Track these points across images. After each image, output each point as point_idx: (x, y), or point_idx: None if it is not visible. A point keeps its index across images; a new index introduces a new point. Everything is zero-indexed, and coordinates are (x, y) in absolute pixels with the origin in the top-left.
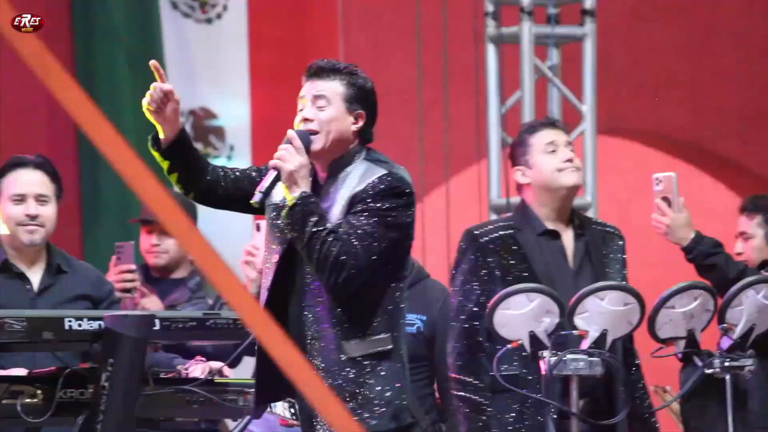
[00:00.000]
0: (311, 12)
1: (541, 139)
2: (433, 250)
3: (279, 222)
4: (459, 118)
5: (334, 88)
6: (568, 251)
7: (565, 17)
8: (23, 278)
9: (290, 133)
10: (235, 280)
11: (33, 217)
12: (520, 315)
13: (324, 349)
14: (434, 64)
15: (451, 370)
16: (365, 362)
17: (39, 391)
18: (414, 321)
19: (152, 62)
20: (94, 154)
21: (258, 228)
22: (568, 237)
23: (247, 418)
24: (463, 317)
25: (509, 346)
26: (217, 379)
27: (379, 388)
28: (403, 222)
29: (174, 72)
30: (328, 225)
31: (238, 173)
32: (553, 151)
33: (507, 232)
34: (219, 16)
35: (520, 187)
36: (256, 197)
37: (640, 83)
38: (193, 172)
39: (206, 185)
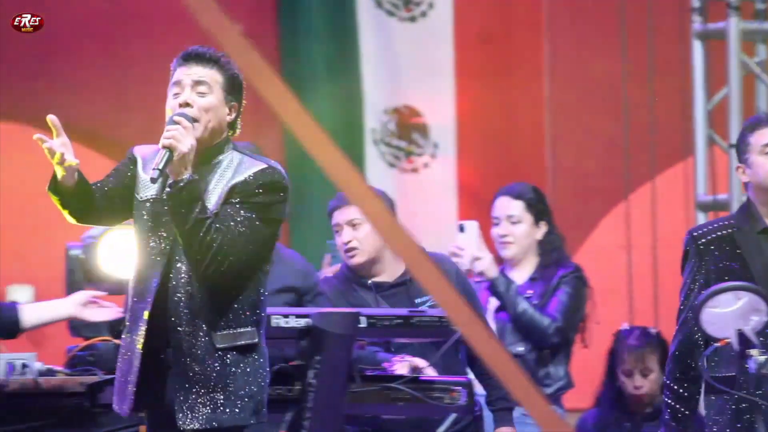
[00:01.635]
0: (516, 9)
1: (759, 139)
2: (639, 248)
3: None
4: (664, 115)
5: (214, 76)
6: None
7: None
8: None
9: (176, 117)
10: (440, 277)
11: None
12: (728, 313)
13: (192, 338)
14: (639, 60)
15: (665, 376)
16: (231, 354)
17: None
18: None
19: (49, 117)
20: (299, 151)
21: (461, 229)
22: None
23: (452, 416)
24: (680, 322)
25: (717, 344)
26: (423, 376)
27: (243, 381)
28: (278, 218)
29: (373, 70)
30: (209, 213)
31: (109, 186)
32: None
33: (725, 232)
34: (424, 14)
35: (746, 184)
36: (153, 174)
37: None
38: (85, 202)
39: (95, 210)
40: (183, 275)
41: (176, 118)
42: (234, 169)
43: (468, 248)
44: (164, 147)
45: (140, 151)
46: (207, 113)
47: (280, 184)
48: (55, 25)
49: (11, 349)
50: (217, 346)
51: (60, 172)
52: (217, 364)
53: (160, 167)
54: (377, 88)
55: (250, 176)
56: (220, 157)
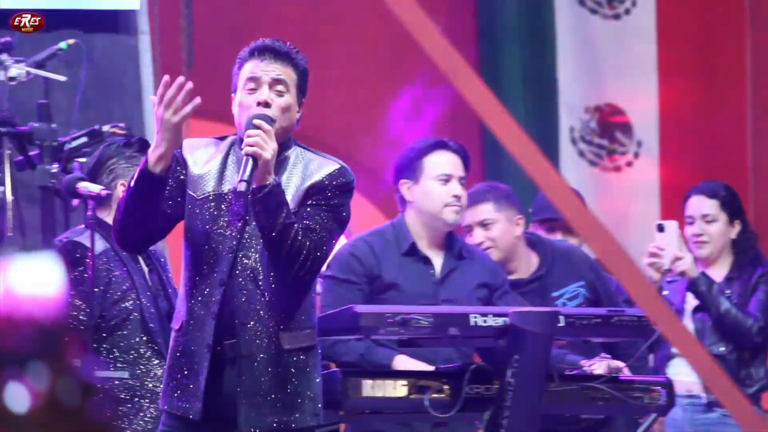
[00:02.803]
0: (719, 6)
1: None
2: None
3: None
4: None
5: (290, 74)
6: None
7: None
8: (427, 262)
9: (256, 120)
10: (641, 277)
11: (458, 198)
12: None
13: (259, 339)
14: None
15: None
16: (297, 356)
17: (446, 387)
18: (576, 291)
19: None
20: (498, 150)
21: (661, 228)
22: None
23: (653, 416)
24: None
25: None
26: (623, 376)
27: (306, 383)
28: (348, 219)
29: (569, 67)
30: (294, 218)
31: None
32: None
33: None
34: (627, 11)
35: None
36: (242, 186)
37: None
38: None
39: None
40: (249, 272)
41: (256, 122)
42: (303, 166)
43: (668, 248)
44: (248, 155)
45: (187, 148)
46: (284, 113)
47: (351, 185)
48: (254, 27)
49: None
50: (284, 347)
51: (158, 151)
52: (282, 365)
53: (246, 178)
54: (575, 86)
55: (326, 177)
56: (286, 153)
